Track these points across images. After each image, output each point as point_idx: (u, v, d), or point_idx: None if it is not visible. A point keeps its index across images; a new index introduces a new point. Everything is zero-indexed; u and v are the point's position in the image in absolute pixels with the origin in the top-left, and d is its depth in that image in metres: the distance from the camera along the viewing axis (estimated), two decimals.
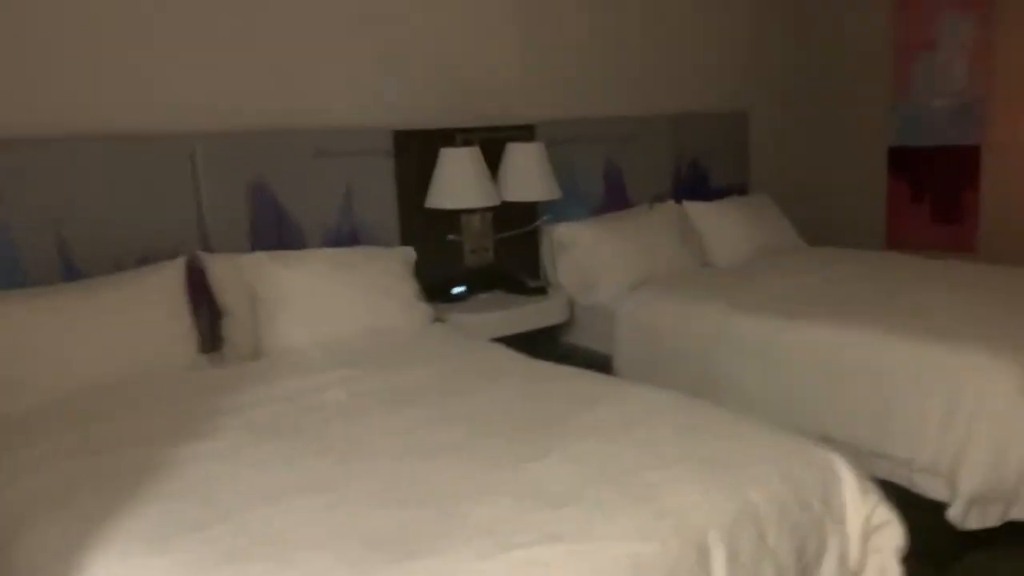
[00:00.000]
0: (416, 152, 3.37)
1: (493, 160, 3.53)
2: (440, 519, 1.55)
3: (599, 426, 1.96)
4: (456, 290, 3.40)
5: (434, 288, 3.32)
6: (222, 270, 2.82)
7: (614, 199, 4.14)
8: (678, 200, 4.29)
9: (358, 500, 1.64)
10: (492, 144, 3.55)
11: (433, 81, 3.52)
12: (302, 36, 3.13)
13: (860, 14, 4.94)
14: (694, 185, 4.50)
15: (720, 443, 1.86)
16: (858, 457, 2.76)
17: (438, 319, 3.11)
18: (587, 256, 3.74)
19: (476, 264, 3.60)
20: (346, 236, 3.19)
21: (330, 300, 2.79)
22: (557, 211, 3.83)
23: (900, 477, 2.71)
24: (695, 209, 4.21)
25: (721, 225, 4.16)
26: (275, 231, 3.06)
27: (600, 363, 3.57)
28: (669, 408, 2.08)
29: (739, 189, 4.71)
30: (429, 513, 1.57)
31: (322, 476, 1.75)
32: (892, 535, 1.87)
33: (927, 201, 4.77)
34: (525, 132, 3.68)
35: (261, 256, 2.87)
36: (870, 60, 4.92)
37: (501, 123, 3.67)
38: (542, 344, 3.55)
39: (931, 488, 2.62)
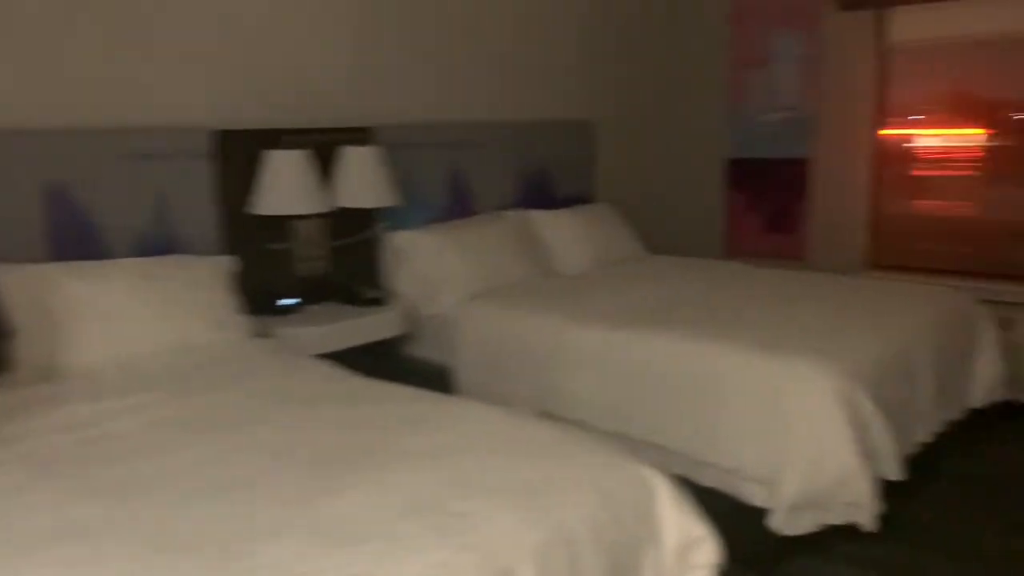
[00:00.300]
0: (240, 155, 3.15)
1: (329, 164, 3.36)
2: (221, 565, 1.40)
3: (413, 453, 1.84)
4: (283, 302, 3.21)
5: (261, 300, 3.11)
6: (11, 283, 2.52)
7: (459, 206, 4.05)
8: (524, 208, 4.26)
9: (127, 548, 1.45)
10: (326, 147, 3.39)
11: (259, 78, 3.30)
12: (108, 26, 2.86)
13: (699, 29, 5.09)
14: (540, 194, 4.48)
15: (537, 465, 1.79)
16: (690, 466, 2.83)
17: (263, 334, 2.92)
18: (428, 265, 3.63)
19: (309, 274, 3.42)
20: (158, 245, 2.93)
21: (132, 315, 2.55)
22: (399, 218, 3.70)
23: (728, 485, 2.76)
24: (540, 218, 4.18)
25: (565, 234, 4.16)
26: (76, 240, 2.77)
27: (442, 375, 3.48)
28: (492, 429, 2.00)
29: (584, 198, 4.73)
30: (209, 559, 1.41)
31: (91, 521, 1.55)
32: (708, 551, 1.85)
33: (762, 211, 4.95)
34: (361, 135, 3.53)
35: (55, 267, 2.59)
36: (709, 74, 5.07)
37: (336, 125, 3.50)
38: (382, 357, 3.41)
39: (755, 495, 2.66)
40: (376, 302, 3.43)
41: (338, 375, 2.50)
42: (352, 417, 2.09)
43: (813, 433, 2.49)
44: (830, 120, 4.63)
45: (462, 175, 4.07)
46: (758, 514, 2.59)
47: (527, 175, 4.42)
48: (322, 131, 3.42)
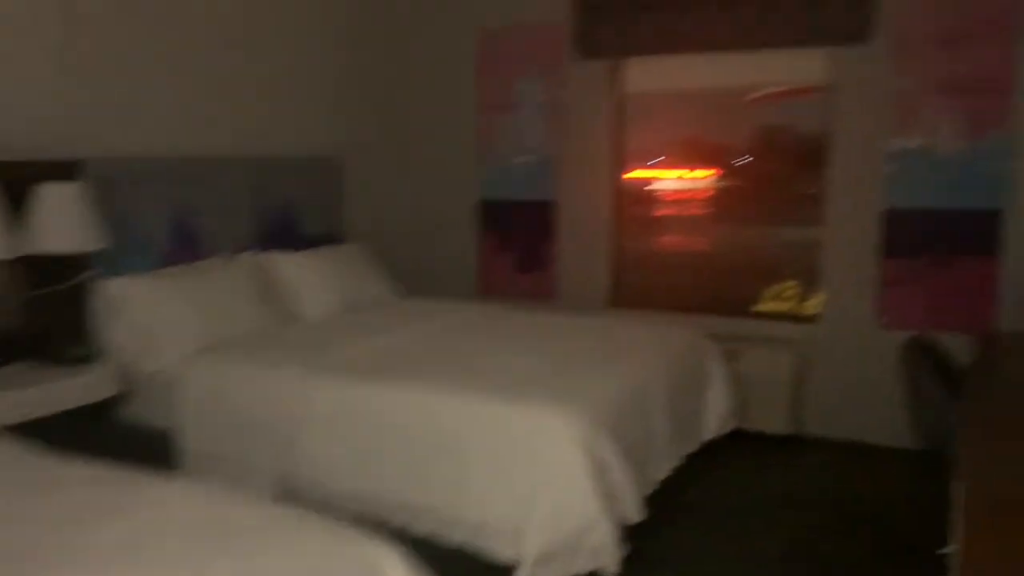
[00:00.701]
0: None
1: (21, 202, 2.90)
2: None
3: (97, 550, 1.53)
4: None
5: None
6: None
7: (187, 250, 3.67)
8: (264, 250, 3.96)
9: None
10: (18, 183, 2.91)
11: None
12: None
13: (447, 73, 5.08)
14: (283, 234, 4.20)
15: (240, 555, 1.55)
16: (440, 524, 2.69)
17: None
18: (147, 315, 3.23)
19: None
20: None
21: None
22: (115, 264, 3.27)
23: (477, 542, 2.64)
24: (281, 260, 3.91)
25: (310, 277, 3.91)
26: None
27: (164, 442, 3.09)
28: (189, 519, 1.72)
29: (333, 238, 4.51)
30: None
31: None
32: None
33: (513, 251, 5.00)
34: (65, 170, 3.09)
35: None
36: (458, 117, 5.08)
37: (33, 158, 3.03)
38: (93, 424, 2.97)
39: (504, 551, 2.57)
40: (82, 360, 2.99)
41: (18, 455, 2.09)
42: (26, 510, 1.72)
43: (555, 483, 2.44)
44: (573, 164, 4.78)
45: (191, 215, 3.70)
46: (506, 572, 2.50)
47: (268, 214, 4.13)
48: (14, 164, 2.94)
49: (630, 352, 3.26)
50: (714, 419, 3.54)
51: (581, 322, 3.85)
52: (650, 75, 4.64)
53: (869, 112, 4.02)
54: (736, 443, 3.88)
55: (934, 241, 3.93)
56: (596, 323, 3.84)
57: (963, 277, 3.89)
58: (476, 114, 5.01)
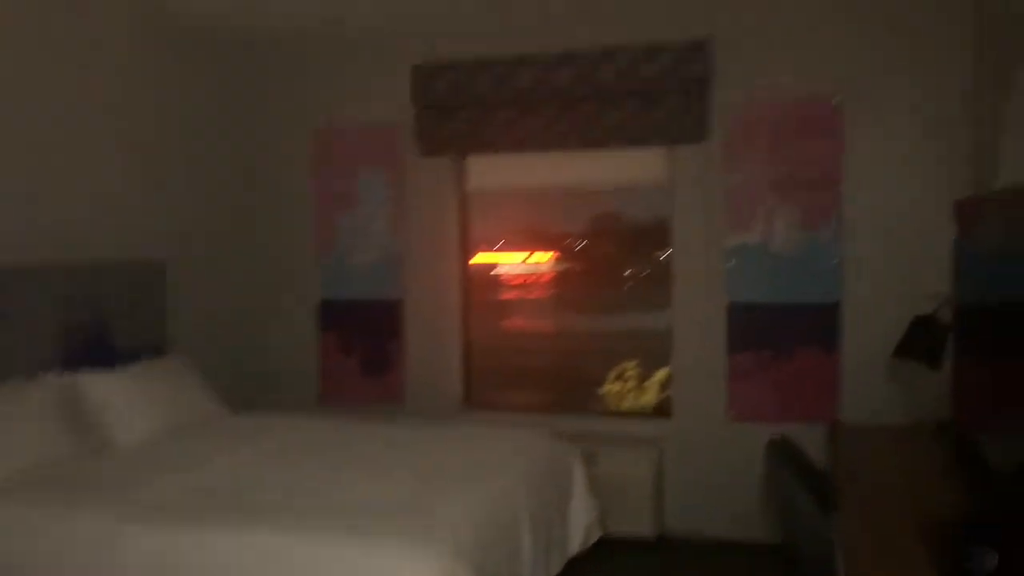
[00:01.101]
0: None
1: None
2: None
3: None
4: None
5: None
6: None
7: None
8: (70, 370, 3.47)
9: None
10: None
11: None
12: None
13: (286, 168, 4.83)
14: (95, 349, 3.71)
15: None
16: None
17: None
18: None
19: None
20: None
21: None
22: None
23: None
24: (90, 381, 3.42)
25: (124, 398, 3.45)
26: None
27: None
28: None
29: (154, 350, 4.05)
30: None
31: None
32: None
33: (358, 354, 4.71)
34: None
35: None
36: (295, 214, 4.81)
37: None
38: None
39: None
40: None
41: None
42: None
43: None
44: (419, 261, 4.60)
45: None
46: None
47: (76, 328, 3.64)
48: None
49: (489, 468, 3.04)
50: (579, 532, 3.36)
51: (434, 434, 3.60)
52: (494, 172, 4.59)
53: (706, 208, 4.11)
54: (600, 551, 3.70)
55: (776, 334, 4.02)
56: (450, 435, 3.60)
57: (805, 369, 3.99)
58: (315, 210, 4.75)
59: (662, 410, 4.40)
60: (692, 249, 4.16)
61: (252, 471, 2.99)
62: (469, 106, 4.38)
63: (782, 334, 4.01)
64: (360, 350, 4.71)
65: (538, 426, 4.20)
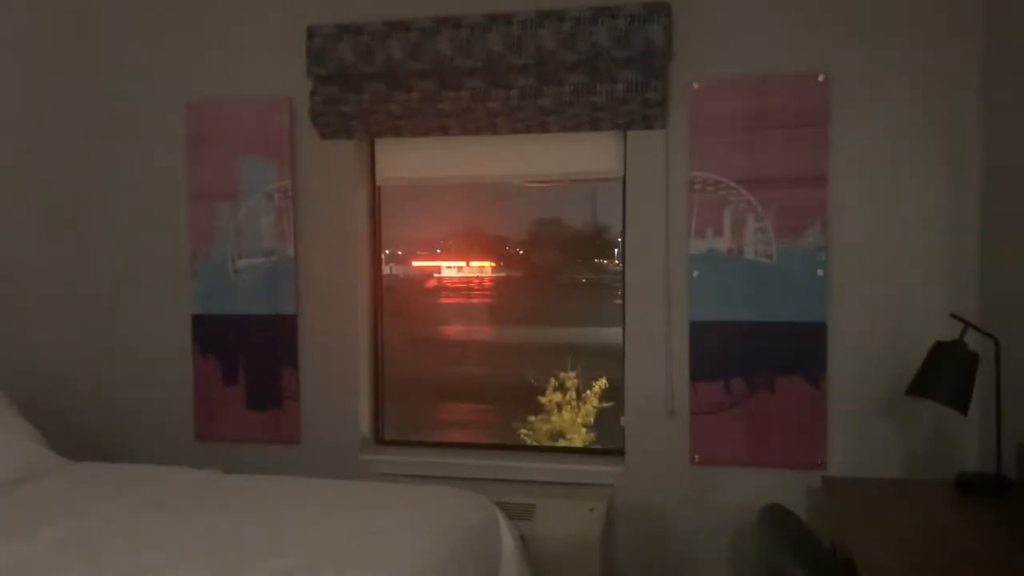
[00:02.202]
0: None
1: None
2: None
3: None
4: None
5: None
6: None
7: None
8: None
9: None
10: None
11: None
12: None
13: (151, 150, 3.92)
14: None
15: None
16: None
17: None
18: None
19: None
20: None
21: None
22: None
23: None
24: None
25: None
26: None
27: None
28: None
29: None
30: None
31: None
32: None
33: (242, 383, 3.84)
34: None
35: None
36: (162, 212, 3.91)
37: None
38: None
39: None
40: None
41: None
42: None
43: None
44: (318, 267, 3.76)
45: None
46: None
47: None
48: None
49: (400, 544, 2.25)
50: None
51: (334, 493, 2.80)
52: (410, 160, 3.78)
53: (666, 208, 3.38)
54: None
55: (750, 360, 3.32)
56: (354, 495, 2.79)
57: (786, 403, 3.29)
58: (189, 205, 3.86)
59: (611, 449, 3.67)
60: (649, 256, 3.42)
61: (87, 545, 2.13)
62: (377, 78, 3.55)
63: (757, 360, 3.31)
64: (245, 378, 3.84)
65: (465, 468, 3.50)
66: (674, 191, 3.37)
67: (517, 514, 3.24)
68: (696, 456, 3.38)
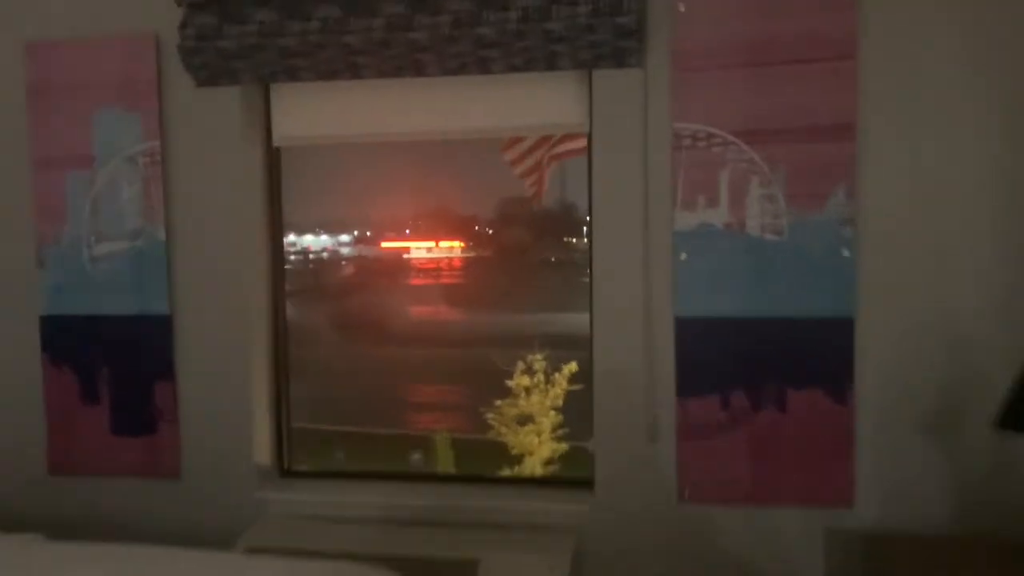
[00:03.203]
0: None
1: None
2: None
3: None
4: None
5: None
6: None
7: None
8: None
9: None
10: None
11: None
12: None
13: None
14: None
15: None
16: None
17: None
18: None
19: None
20: None
21: None
22: None
23: None
24: None
25: None
26: None
27: None
28: None
29: None
30: None
31: None
32: None
33: (105, 401, 3.00)
34: None
35: None
36: (3, 183, 3.04)
37: None
38: None
39: None
40: None
41: None
42: None
43: None
44: (198, 252, 2.92)
45: None
46: None
47: None
48: None
49: None
50: None
51: (188, 570, 2.00)
52: (319, 113, 2.94)
53: (644, 171, 2.59)
54: None
55: (754, 369, 2.55)
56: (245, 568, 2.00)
57: (801, 424, 2.53)
58: (32, 173, 2.99)
59: (577, 479, 2.90)
60: (622, 235, 2.63)
61: None
62: (266, 3, 2.71)
63: (764, 367, 2.55)
64: (109, 395, 3.00)
65: (391, 507, 2.82)
66: (654, 148, 2.58)
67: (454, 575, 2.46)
68: (685, 491, 2.62)
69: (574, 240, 3.64)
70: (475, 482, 3.03)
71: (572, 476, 3.01)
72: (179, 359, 2.95)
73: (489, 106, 2.79)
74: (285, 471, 3.09)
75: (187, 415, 2.96)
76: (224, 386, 2.94)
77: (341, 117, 2.91)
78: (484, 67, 2.64)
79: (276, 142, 2.99)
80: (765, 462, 2.56)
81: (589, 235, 2.70)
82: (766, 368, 2.54)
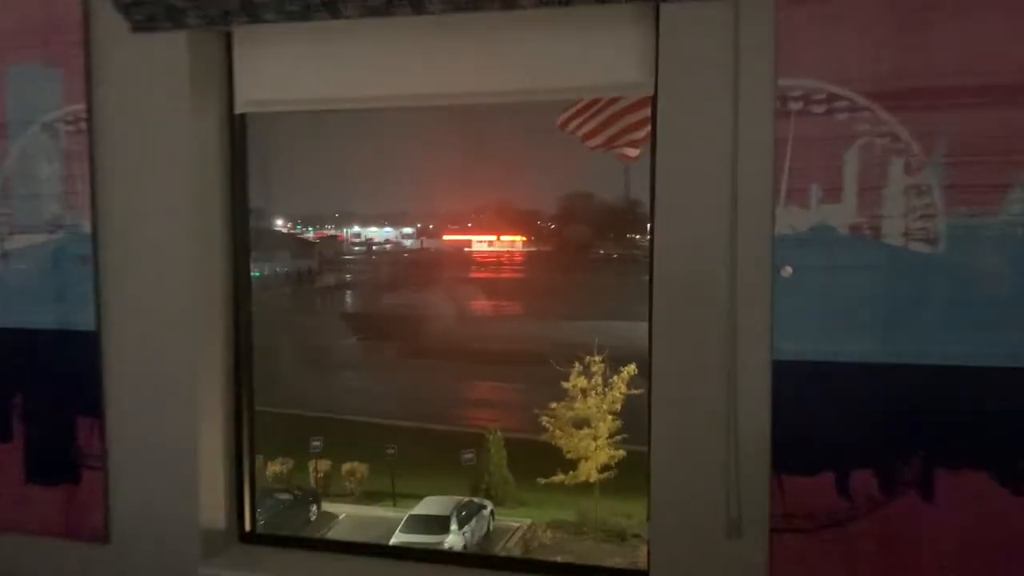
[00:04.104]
0: None
1: None
2: None
3: None
4: None
5: None
6: None
7: None
8: None
9: None
10: None
11: None
12: None
13: None
14: None
15: None
16: None
17: None
18: None
19: None
20: None
21: None
22: None
23: None
24: None
25: None
26: None
27: None
28: None
29: None
30: None
31: None
32: None
33: (16, 441, 2.34)
34: None
35: None
36: None
37: None
38: None
39: None
40: None
41: None
42: None
43: None
44: (136, 250, 2.24)
45: None
46: None
47: None
48: None
49: None
50: None
51: None
52: (296, 68, 2.22)
53: (730, 151, 1.80)
54: None
55: (888, 437, 1.75)
56: None
57: (957, 517, 1.73)
58: None
59: (629, 573, 2.13)
60: (696, 239, 1.85)
61: None
62: None
63: (902, 436, 1.75)
64: (23, 431, 2.34)
65: None
66: (748, 116, 1.79)
67: None
68: None
69: (637, 236, 3.18)
70: (489, 566, 2.28)
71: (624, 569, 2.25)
72: (108, 386, 2.27)
73: (517, 59, 2.04)
74: (246, 535, 2.39)
75: (117, 460, 2.28)
76: (165, 423, 2.25)
77: (323, 75, 2.19)
78: (511, 2, 1.89)
79: (239, 108, 2.28)
80: (898, 571, 1.76)
81: (650, 246, 1.92)
82: (904, 437, 1.74)
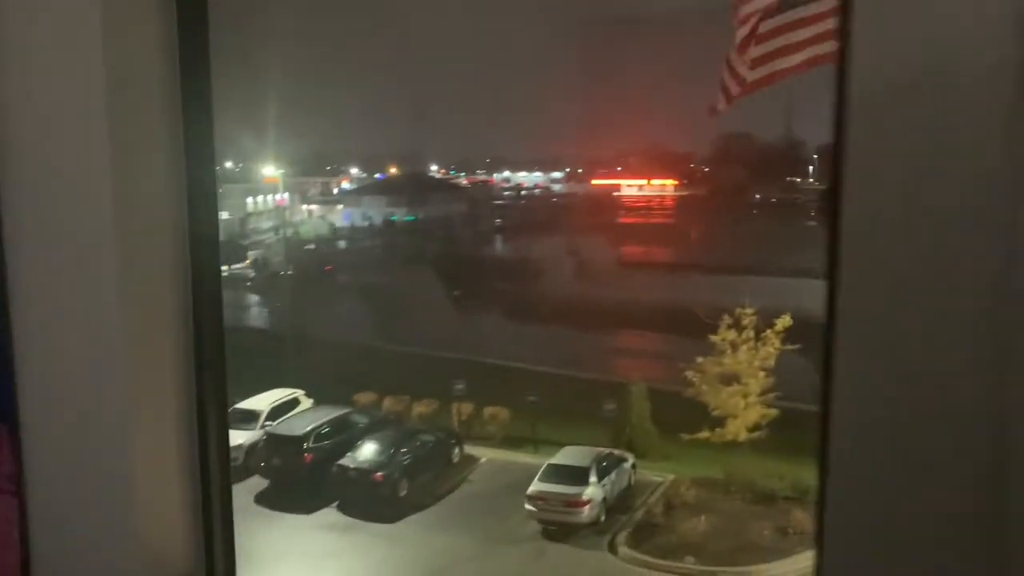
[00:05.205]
0: None
1: None
2: None
3: None
4: None
5: None
6: None
7: None
8: None
9: None
10: None
11: None
12: None
13: None
14: None
15: None
16: None
17: None
18: None
19: None
20: None
21: None
22: None
23: None
24: None
25: None
26: None
27: None
28: None
29: None
30: None
31: None
32: None
33: None
34: None
35: None
36: None
37: None
38: None
39: None
40: None
41: None
42: None
43: None
44: (50, 207, 1.57)
45: None
46: None
47: None
48: None
49: None
50: None
51: None
52: None
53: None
54: None
55: None
56: None
57: None
58: None
59: None
60: (905, 186, 0.94)
61: None
62: None
63: None
64: None
65: None
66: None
67: None
68: None
69: (798, 180, 2.39)
70: None
71: None
72: (23, 398, 1.64)
73: None
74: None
75: (36, 489, 1.66)
76: (101, 439, 1.61)
77: None
78: None
79: None
80: None
81: (833, 186, 1.03)
82: None
